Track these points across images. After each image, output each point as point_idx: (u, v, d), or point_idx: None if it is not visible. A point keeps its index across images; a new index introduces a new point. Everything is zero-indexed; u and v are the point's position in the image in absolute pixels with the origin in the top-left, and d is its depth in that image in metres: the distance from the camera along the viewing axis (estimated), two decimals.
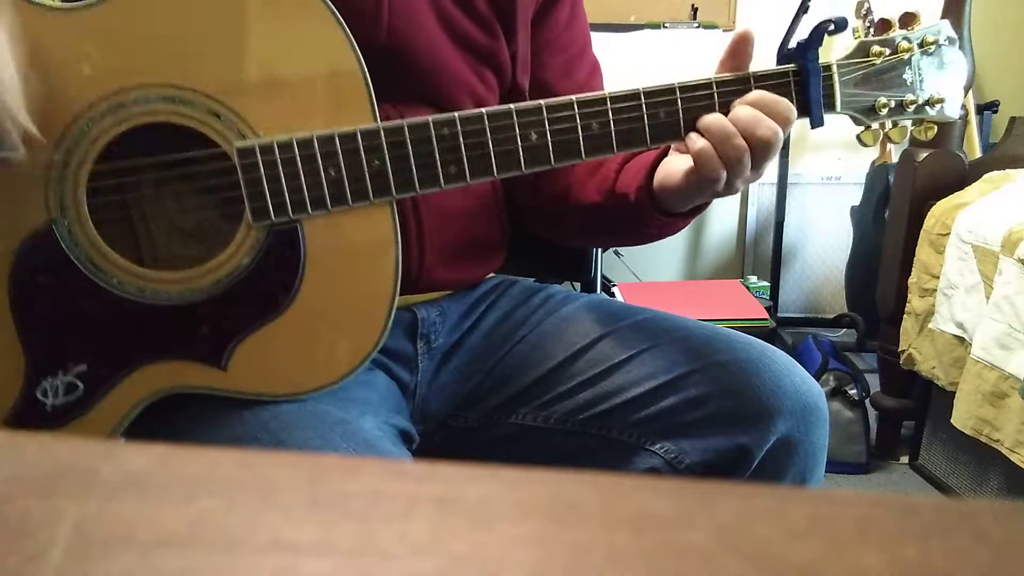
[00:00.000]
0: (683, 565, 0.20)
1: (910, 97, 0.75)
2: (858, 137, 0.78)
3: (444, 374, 0.86)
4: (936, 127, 0.78)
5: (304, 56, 0.64)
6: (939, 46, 0.75)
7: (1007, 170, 1.83)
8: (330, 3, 0.64)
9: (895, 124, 0.77)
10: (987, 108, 2.64)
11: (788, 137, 2.65)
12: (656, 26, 2.53)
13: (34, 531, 0.21)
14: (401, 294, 0.82)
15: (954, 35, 0.76)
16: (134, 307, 0.65)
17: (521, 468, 0.24)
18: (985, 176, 1.82)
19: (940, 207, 1.79)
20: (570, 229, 0.92)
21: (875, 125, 0.77)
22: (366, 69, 0.65)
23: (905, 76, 0.75)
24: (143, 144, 0.64)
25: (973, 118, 2.42)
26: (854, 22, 0.77)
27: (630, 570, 0.20)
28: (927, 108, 0.76)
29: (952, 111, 0.76)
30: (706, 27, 2.58)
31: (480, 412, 0.85)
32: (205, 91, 0.63)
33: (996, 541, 0.21)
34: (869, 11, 2.14)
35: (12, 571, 0.20)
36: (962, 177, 1.85)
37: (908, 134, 0.78)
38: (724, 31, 2.61)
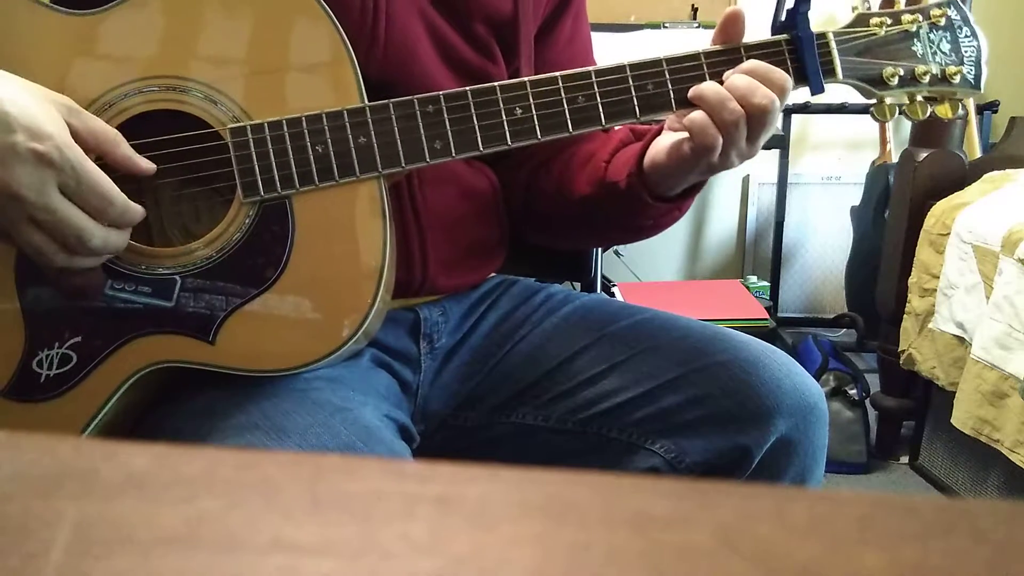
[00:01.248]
0: (683, 565, 0.20)
1: (922, 68, 0.72)
2: (871, 113, 0.75)
3: (446, 374, 0.86)
4: (959, 105, 0.74)
5: (296, 46, 0.68)
6: (949, 20, 0.73)
7: (1007, 170, 1.83)
8: (324, 4, 0.67)
9: (912, 99, 0.74)
10: (987, 108, 2.64)
11: (788, 137, 2.67)
12: (656, 26, 2.53)
13: (34, 531, 0.21)
14: (404, 299, 0.82)
15: (965, 10, 0.73)
16: (130, 281, 0.67)
17: (521, 468, 0.24)
18: (985, 176, 1.82)
19: (940, 207, 1.79)
20: (567, 228, 0.92)
21: (890, 100, 0.74)
22: (355, 56, 0.67)
23: (915, 48, 0.73)
24: (147, 130, 0.67)
25: (973, 118, 2.42)
26: (853, 1, 0.75)
27: (630, 570, 0.20)
28: (946, 80, 0.73)
29: (973, 82, 0.73)
30: (706, 27, 2.58)
31: (480, 412, 0.85)
32: (203, 81, 0.67)
33: (996, 541, 0.21)
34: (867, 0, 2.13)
35: (12, 571, 0.20)
36: (962, 177, 1.85)
37: (929, 112, 0.74)
38: None
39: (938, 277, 1.76)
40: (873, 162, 2.67)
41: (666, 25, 2.55)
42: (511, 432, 0.84)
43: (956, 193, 1.80)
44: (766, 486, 0.24)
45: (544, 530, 0.22)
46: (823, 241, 2.92)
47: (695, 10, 2.71)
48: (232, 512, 0.22)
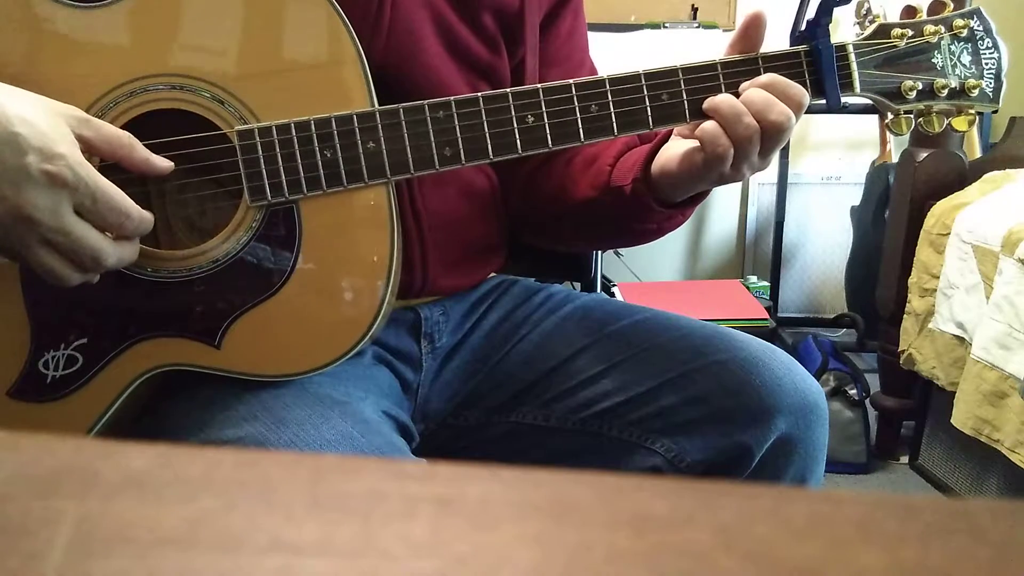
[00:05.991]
0: (683, 565, 0.20)
1: (941, 81, 0.71)
2: (888, 126, 0.73)
3: (447, 373, 0.86)
4: (975, 118, 0.73)
5: (305, 46, 0.66)
6: (972, 31, 0.71)
7: (1007, 170, 1.83)
8: (334, 2, 0.66)
9: (928, 111, 0.73)
10: None
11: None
12: (656, 26, 2.53)
13: (34, 531, 0.21)
14: (405, 300, 0.82)
15: (988, 21, 0.72)
16: (136, 284, 0.67)
17: (521, 468, 0.24)
18: (985, 176, 1.82)
19: (940, 207, 1.79)
20: (566, 231, 0.91)
21: (905, 112, 0.73)
22: (365, 58, 0.66)
23: (934, 60, 0.71)
24: (153, 130, 0.66)
25: None
26: (854, 20, 0.75)
27: (630, 570, 0.20)
28: (964, 94, 0.72)
29: (992, 95, 0.72)
30: (706, 27, 2.58)
31: (480, 411, 0.85)
32: (210, 80, 0.66)
33: (996, 541, 0.21)
34: (869, 11, 2.13)
35: (12, 571, 0.20)
36: (962, 177, 1.85)
37: (945, 124, 0.74)
38: (724, 31, 2.61)
39: (938, 277, 1.76)
40: (873, 162, 2.67)
41: (666, 25, 2.55)
42: (511, 432, 0.84)
43: (956, 193, 1.80)
44: (766, 486, 0.24)
45: (544, 530, 0.22)
46: (823, 241, 2.92)
47: (695, 10, 2.71)
48: (232, 512, 0.22)
